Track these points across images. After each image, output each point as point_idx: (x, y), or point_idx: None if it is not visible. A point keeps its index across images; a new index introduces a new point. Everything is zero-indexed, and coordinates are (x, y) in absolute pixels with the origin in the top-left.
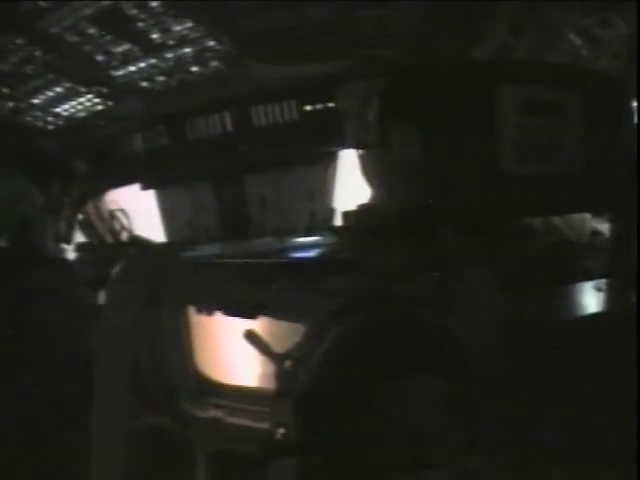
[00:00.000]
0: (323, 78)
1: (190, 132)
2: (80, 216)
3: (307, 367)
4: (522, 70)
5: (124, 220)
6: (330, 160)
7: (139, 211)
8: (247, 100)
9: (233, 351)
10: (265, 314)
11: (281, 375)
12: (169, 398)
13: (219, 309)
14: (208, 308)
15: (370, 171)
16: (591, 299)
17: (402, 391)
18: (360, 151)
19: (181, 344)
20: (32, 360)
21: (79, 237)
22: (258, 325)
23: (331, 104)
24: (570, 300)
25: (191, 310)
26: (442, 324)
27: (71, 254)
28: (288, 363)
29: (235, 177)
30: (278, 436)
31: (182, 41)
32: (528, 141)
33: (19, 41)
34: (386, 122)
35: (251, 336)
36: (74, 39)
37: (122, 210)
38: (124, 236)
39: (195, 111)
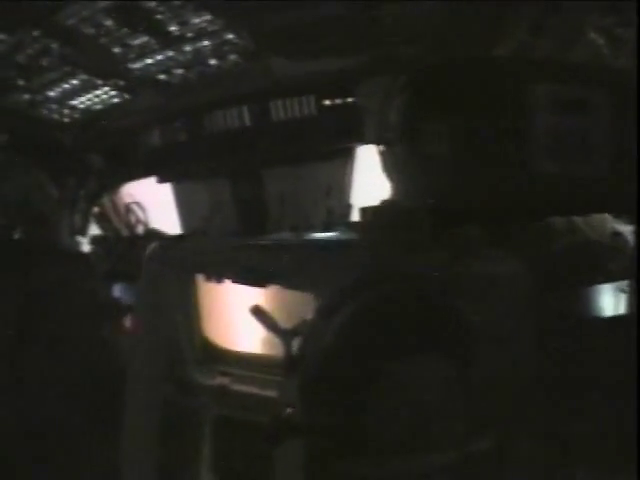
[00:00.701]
0: (342, 74)
1: (208, 126)
2: (96, 209)
3: (319, 345)
4: (553, 68)
5: (140, 213)
6: (348, 156)
7: (155, 204)
8: (266, 95)
9: (241, 318)
10: (275, 283)
11: (289, 352)
12: (175, 365)
13: (229, 277)
14: (218, 275)
15: (392, 167)
16: (613, 300)
17: (409, 372)
18: (381, 147)
19: (189, 311)
20: (46, 352)
21: (94, 230)
22: (267, 297)
23: (350, 100)
24: (591, 300)
25: (200, 277)
26: (453, 307)
27: (86, 247)
28: (296, 340)
29: (252, 172)
30: (286, 416)
31: (201, 34)
32: (558, 140)
33: (35, 33)
34: (414, 118)
35: (257, 311)
36: (91, 31)
37: (138, 203)
38: (140, 229)
39: (213, 105)
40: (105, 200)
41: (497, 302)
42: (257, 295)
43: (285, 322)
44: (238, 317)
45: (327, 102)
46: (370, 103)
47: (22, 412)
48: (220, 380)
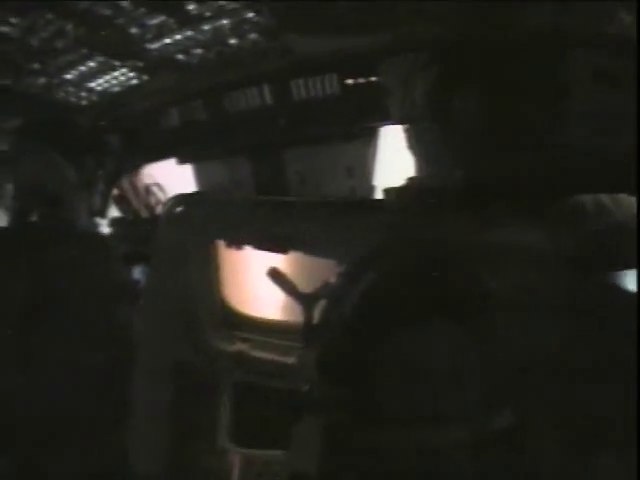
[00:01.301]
0: (365, 52)
1: (228, 106)
2: (115, 191)
3: (340, 312)
4: (587, 41)
5: (160, 195)
6: (371, 136)
7: (175, 186)
8: (286, 73)
9: (261, 284)
10: (295, 249)
11: (309, 317)
12: (191, 331)
13: (249, 243)
14: (238, 241)
15: (418, 145)
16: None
17: (427, 341)
18: (407, 125)
19: (208, 277)
20: (60, 332)
21: (114, 212)
22: (288, 261)
23: (373, 78)
24: (616, 284)
25: (220, 243)
26: (473, 274)
27: (105, 229)
28: (317, 304)
29: (273, 152)
30: (304, 393)
31: (219, 13)
32: (593, 112)
33: (49, 15)
34: (444, 94)
35: (275, 274)
36: (106, 12)
37: (158, 184)
38: (159, 211)
39: (233, 85)
40: (124, 182)
41: (517, 272)
42: (278, 260)
43: (306, 287)
44: (258, 283)
45: (349, 81)
46: (394, 82)
47: (33, 390)
48: (239, 346)
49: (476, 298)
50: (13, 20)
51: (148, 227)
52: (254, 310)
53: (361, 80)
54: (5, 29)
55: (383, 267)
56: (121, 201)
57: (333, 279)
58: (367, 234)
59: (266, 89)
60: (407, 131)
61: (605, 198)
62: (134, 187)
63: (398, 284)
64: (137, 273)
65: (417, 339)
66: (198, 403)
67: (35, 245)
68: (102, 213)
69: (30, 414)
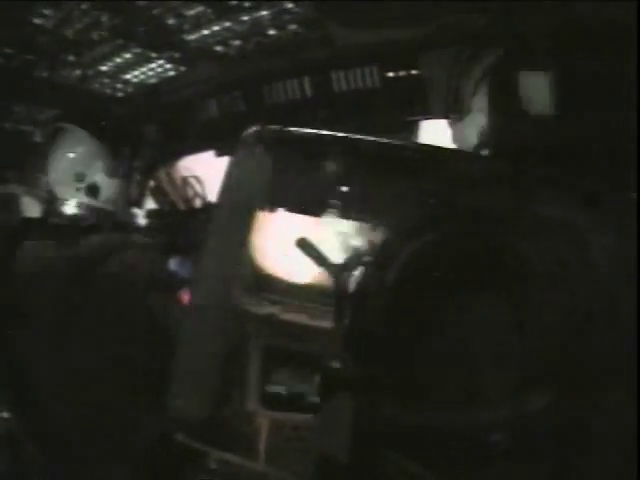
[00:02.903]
0: (406, 44)
1: (267, 98)
2: (152, 183)
3: (381, 280)
4: None
5: (198, 187)
6: (412, 129)
7: (213, 178)
8: (327, 65)
9: (292, 247)
10: (332, 213)
11: (339, 287)
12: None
13: (283, 205)
14: (272, 203)
15: (465, 137)
16: None
17: (465, 316)
18: (451, 119)
19: (240, 238)
20: (98, 323)
21: (150, 204)
22: (320, 226)
23: (414, 71)
24: None
25: (253, 205)
26: (513, 246)
27: (142, 220)
28: (348, 274)
29: None
30: (333, 371)
31: (259, 3)
32: None
33: (84, 6)
34: (506, 77)
35: (304, 244)
36: (142, 2)
37: (196, 177)
38: (197, 203)
39: (272, 76)
40: (161, 173)
41: (560, 248)
42: (310, 224)
43: (337, 254)
44: (291, 245)
45: (390, 74)
46: (436, 75)
47: (69, 376)
48: (269, 309)
49: (513, 268)
50: (47, 12)
51: (185, 219)
52: (286, 273)
53: (402, 73)
54: (40, 21)
55: (423, 239)
56: (158, 193)
57: (368, 247)
58: (409, 200)
59: (306, 80)
60: (451, 124)
61: None
62: (171, 179)
63: (445, 254)
64: (173, 265)
65: (453, 312)
66: (226, 366)
67: (71, 235)
68: (139, 204)
69: (65, 401)
